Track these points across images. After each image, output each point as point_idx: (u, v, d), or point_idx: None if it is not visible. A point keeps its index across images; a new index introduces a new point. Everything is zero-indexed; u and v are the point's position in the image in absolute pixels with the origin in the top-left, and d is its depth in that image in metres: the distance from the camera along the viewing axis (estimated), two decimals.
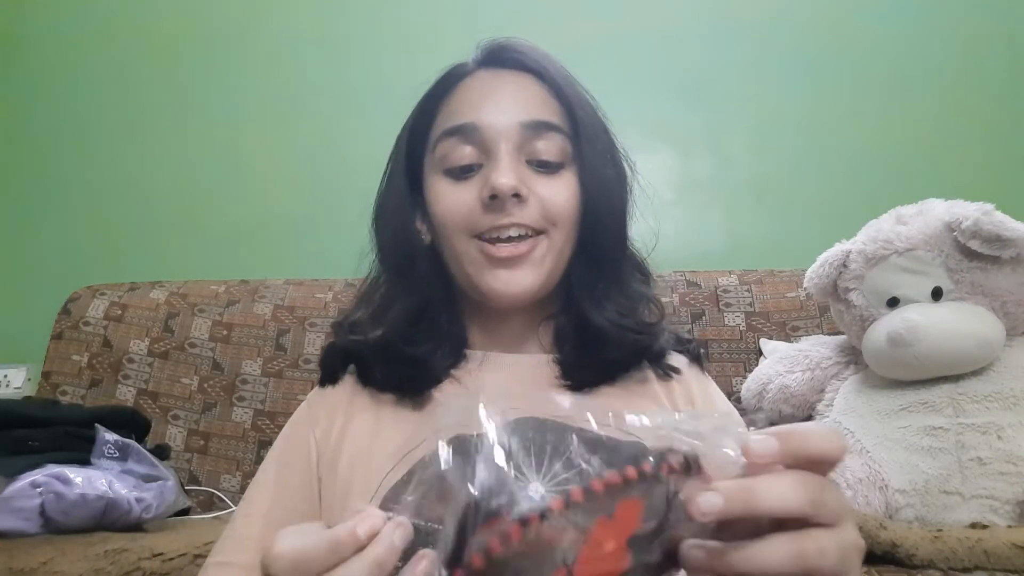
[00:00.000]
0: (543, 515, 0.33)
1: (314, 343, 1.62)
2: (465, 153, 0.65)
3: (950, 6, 1.80)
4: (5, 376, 1.72)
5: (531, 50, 0.70)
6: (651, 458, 0.35)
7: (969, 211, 1.07)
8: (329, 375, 0.72)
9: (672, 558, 0.36)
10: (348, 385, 0.71)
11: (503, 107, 0.66)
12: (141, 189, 1.92)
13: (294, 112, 1.92)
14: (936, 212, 1.13)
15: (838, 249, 1.21)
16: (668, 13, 1.87)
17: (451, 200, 0.65)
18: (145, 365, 1.63)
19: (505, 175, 0.62)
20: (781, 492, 0.34)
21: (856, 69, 1.81)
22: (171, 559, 0.90)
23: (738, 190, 1.79)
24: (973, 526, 0.96)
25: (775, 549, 0.34)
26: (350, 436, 0.65)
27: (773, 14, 1.84)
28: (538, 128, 0.65)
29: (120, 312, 1.67)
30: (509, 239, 0.64)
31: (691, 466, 0.35)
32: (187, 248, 1.88)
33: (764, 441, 0.35)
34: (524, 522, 0.33)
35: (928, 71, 1.79)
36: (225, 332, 1.64)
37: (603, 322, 0.67)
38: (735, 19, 1.85)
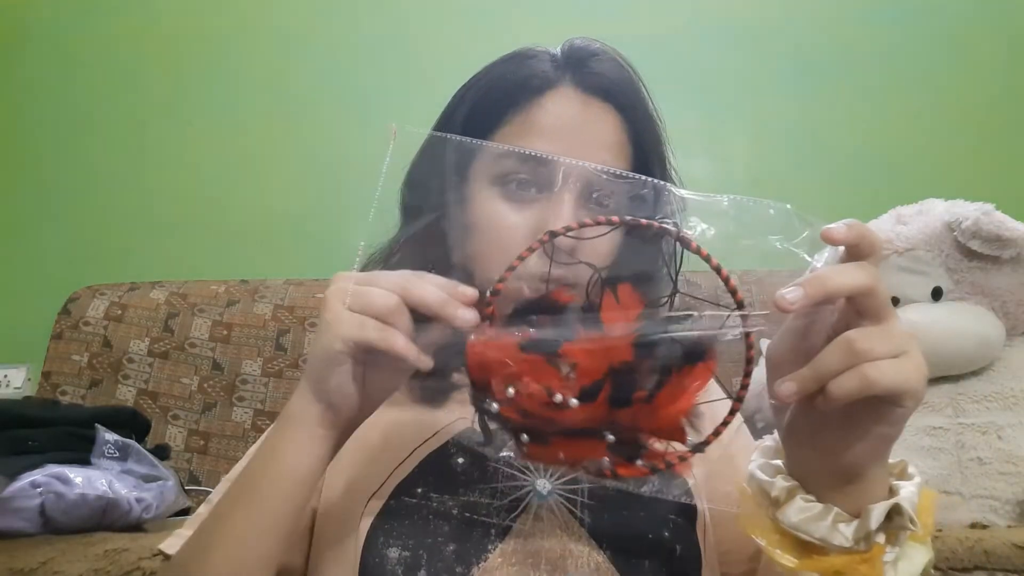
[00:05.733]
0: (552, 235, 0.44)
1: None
2: (526, 177, 0.63)
3: (949, 6, 1.80)
4: (5, 376, 1.72)
5: (621, 79, 0.68)
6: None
7: (969, 211, 1.07)
8: None
9: (693, 357, 0.44)
10: None
11: (582, 145, 0.63)
12: (141, 189, 1.92)
13: (295, 112, 1.91)
14: (936, 212, 1.13)
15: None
16: (666, 14, 1.86)
17: (502, 225, 0.62)
18: (145, 365, 1.63)
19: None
20: (848, 272, 0.42)
21: (855, 69, 1.80)
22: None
23: (738, 190, 1.78)
24: (973, 526, 0.96)
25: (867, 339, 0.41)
26: (356, 433, 0.65)
27: (772, 14, 1.84)
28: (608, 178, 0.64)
29: (120, 312, 1.67)
30: None
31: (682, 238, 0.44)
32: (187, 248, 1.88)
33: (792, 291, 0.42)
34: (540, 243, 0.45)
35: (927, 71, 1.79)
36: (225, 332, 1.64)
37: None
38: (734, 20, 1.85)
